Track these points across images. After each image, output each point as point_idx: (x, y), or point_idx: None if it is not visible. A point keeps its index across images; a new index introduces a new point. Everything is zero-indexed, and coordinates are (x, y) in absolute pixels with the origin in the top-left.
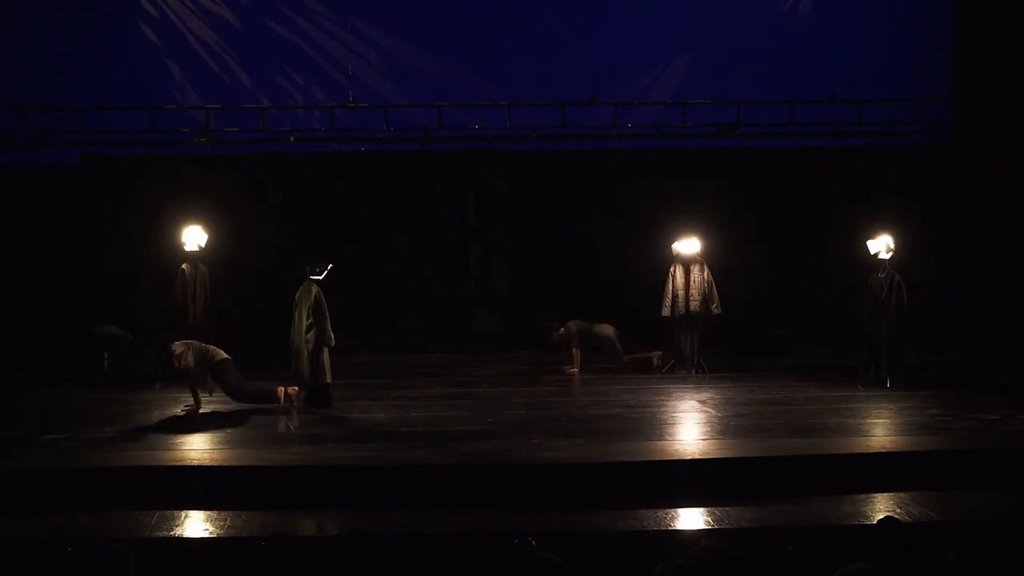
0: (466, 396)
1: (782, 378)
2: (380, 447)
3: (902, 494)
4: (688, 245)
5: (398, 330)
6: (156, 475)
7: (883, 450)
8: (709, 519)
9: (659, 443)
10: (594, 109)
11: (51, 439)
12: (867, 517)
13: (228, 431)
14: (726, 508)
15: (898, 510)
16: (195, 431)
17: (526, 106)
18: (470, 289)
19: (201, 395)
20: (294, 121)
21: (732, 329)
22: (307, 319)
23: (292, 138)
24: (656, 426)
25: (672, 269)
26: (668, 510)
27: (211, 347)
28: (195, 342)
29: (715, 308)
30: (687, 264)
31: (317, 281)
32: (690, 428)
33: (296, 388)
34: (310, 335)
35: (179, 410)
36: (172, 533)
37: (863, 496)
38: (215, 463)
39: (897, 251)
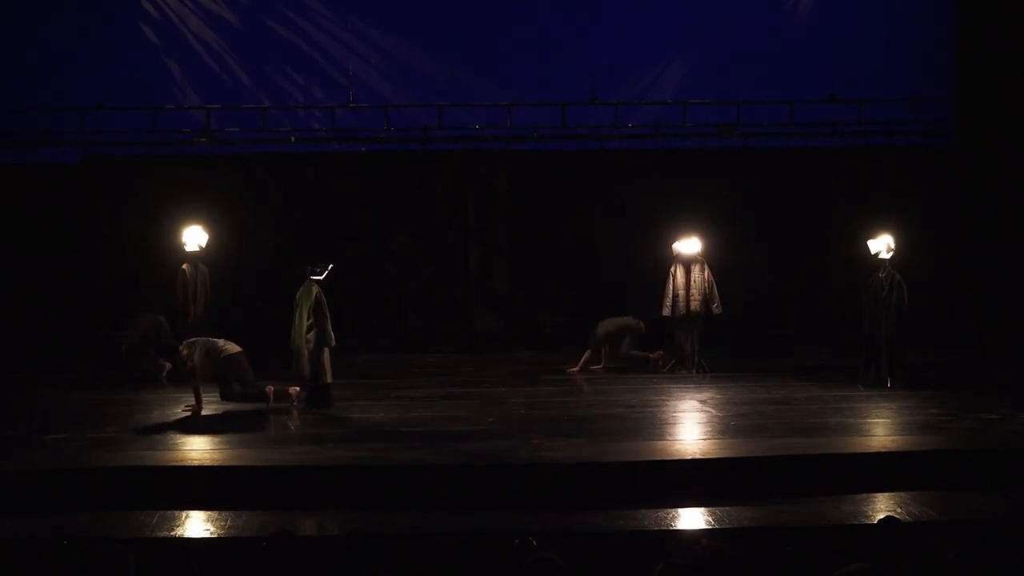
0: (466, 396)
1: (782, 378)
2: (380, 447)
3: (902, 494)
4: (688, 245)
5: (398, 330)
6: (156, 475)
7: (883, 450)
8: (709, 519)
9: (659, 443)
10: (594, 109)
11: (51, 439)
12: (867, 517)
13: (228, 431)
14: (726, 508)
15: (898, 510)
16: (195, 431)
17: (526, 106)
18: (470, 289)
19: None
20: (294, 121)
21: (732, 329)
22: (307, 319)
23: (292, 138)
24: (656, 426)
25: (672, 269)
26: (668, 510)
27: (220, 341)
28: (202, 339)
29: (716, 308)
30: (687, 264)
31: (317, 281)
32: (690, 428)
33: (297, 388)
34: (311, 335)
35: (180, 410)
36: (172, 533)
37: (863, 496)
38: (215, 463)
39: (897, 251)
